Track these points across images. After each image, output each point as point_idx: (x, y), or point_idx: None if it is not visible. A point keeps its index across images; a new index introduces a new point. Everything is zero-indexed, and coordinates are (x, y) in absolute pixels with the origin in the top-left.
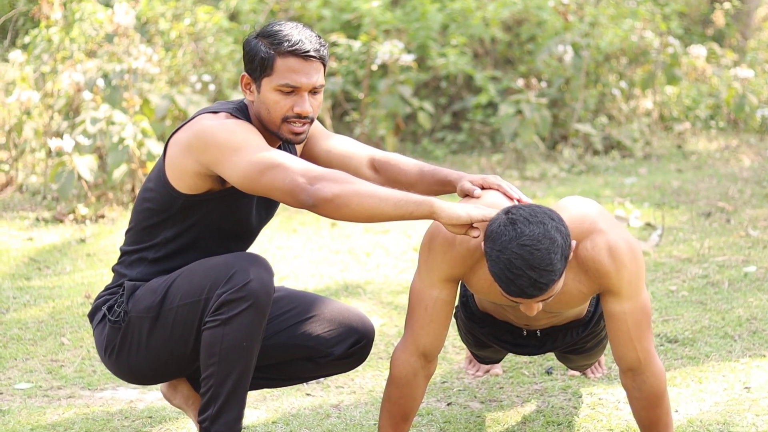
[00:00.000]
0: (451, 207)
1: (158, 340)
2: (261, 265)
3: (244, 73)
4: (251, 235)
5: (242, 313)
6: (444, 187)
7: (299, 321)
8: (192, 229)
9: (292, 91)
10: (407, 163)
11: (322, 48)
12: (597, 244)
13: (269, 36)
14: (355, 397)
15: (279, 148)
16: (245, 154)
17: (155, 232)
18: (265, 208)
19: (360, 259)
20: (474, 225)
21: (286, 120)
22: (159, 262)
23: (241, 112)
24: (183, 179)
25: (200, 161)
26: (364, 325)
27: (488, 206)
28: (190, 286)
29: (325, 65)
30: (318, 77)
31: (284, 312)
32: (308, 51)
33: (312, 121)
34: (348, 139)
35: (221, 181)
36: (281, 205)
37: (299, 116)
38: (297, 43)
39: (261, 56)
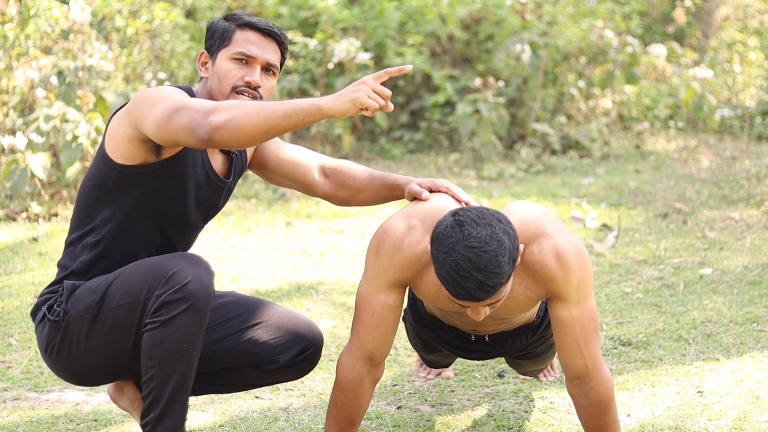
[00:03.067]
0: (338, 100)
1: (97, 341)
2: (200, 265)
3: (203, 51)
4: (191, 221)
5: (181, 314)
6: (392, 192)
7: (246, 327)
8: (128, 209)
9: (246, 62)
10: (357, 169)
11: (282, 36)
12: (544, 248)
13: (233, 15)
14: (304, 400)
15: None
16: (162, 105)
17: (93, 213)
18: (206, 187)
19: (313, 259)
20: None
21: (235, 89)
22: (98, 246)
23: (184, 90)
24: (118, 148)
25: (131, 122)
26: (312, 333)
27: (436, 209)
28: (129, 287)
29: (282, 53)
30: (273, 56)
31: (231, 317)
32: (268, 27)
33: (261, 98)
34: (300, 147)
35: (154, 151)
36: (236, 203)
37: (248, 86)
38: (257, 21)
39: (222, 28)
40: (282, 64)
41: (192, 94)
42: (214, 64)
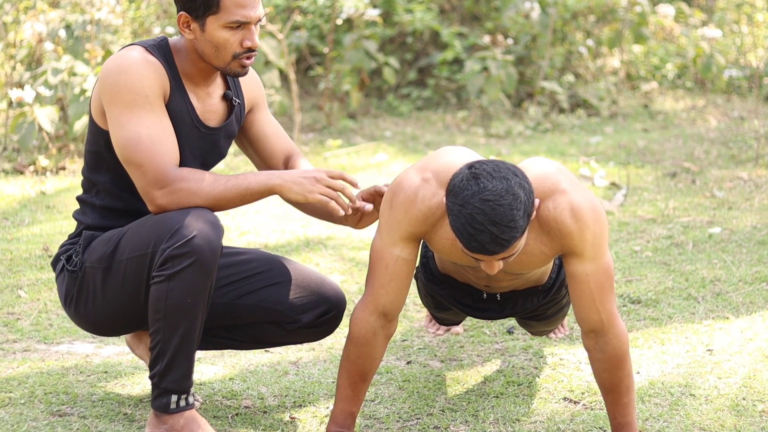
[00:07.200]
0: (293, 188)
1: (111, 292)
2: (207, 220)
3: (182, 13)
4: None
5: (186, 269)
6: None
7: (270, 284)
8: (124, 172)
9: (241, 26)
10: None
11: None
12: (559, 204)
13: None
14: (313, 354)
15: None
16: (126, 125)
17: (95, 178)
18: (198, 140)
19: None
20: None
21: (236, 57)
22: (106, 209)
23: (161, 48)
24: (100, 116)
25: (102, 101)
26: (336, 296)
27: (450, 163)
28: (138, 240)
29: None
30: (261, 9)
31: (256, 273)
32: None
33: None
34: (279, 128)
35: None
36: (243, 159)
37: (250, 50)
38: None
39: None
40: None
41: (167, 50)
42: (204, 31)
